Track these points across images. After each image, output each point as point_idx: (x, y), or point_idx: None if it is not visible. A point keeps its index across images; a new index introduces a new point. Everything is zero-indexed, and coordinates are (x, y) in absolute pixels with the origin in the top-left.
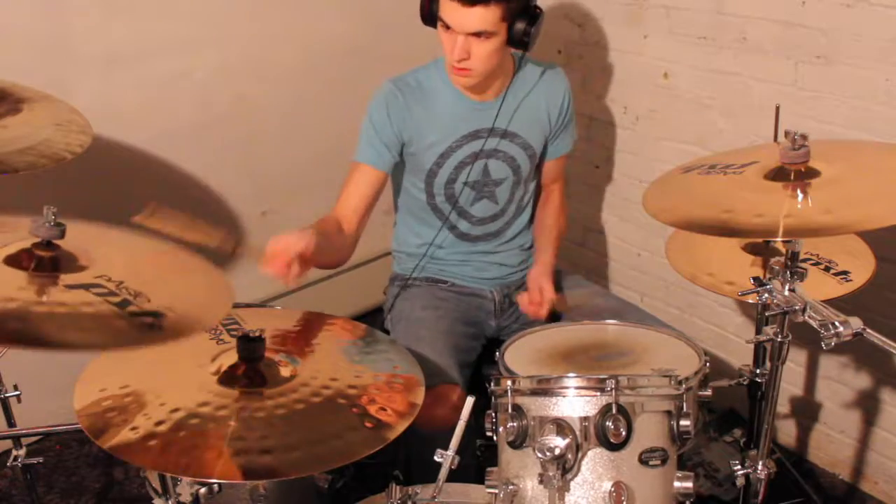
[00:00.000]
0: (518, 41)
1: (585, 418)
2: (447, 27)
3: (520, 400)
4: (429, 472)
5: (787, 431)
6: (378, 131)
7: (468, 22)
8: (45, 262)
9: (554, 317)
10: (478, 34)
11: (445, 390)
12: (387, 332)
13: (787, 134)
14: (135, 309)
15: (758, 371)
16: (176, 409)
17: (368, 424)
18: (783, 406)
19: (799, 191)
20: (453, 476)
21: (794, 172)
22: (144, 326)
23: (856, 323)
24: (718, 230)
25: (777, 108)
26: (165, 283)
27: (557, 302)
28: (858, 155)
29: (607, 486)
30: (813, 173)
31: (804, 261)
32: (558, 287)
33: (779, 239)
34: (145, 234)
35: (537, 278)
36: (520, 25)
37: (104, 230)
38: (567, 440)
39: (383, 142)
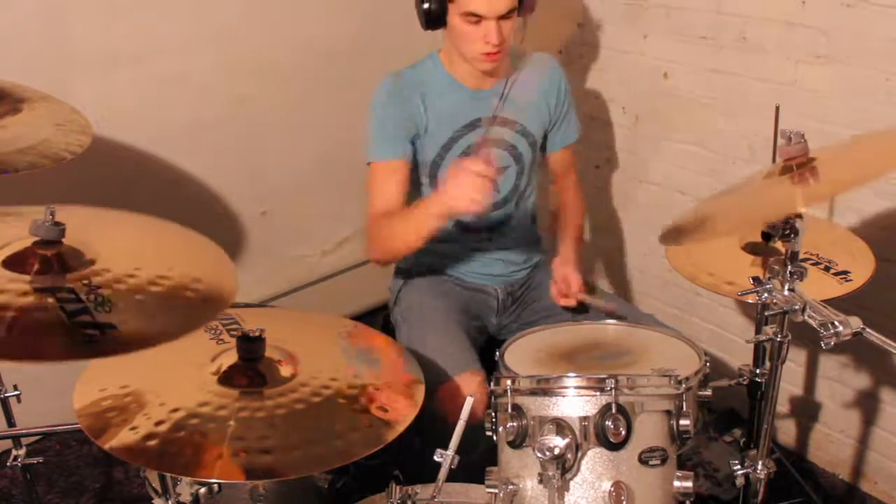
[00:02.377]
0: (526, 5)
1: (585, 418)
2: (474, 20)
3: (520, 400)
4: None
5: (787, 431)
6: (388, 124)
7: (500, 4)
8: (50, 261)
9: (582, 308)
10: (504, 14)
11: (468, 378)
12: (391, 327)
13: (782, 134)
14: (85, 319)
15: (758, 371)
16: (176, 409)
17: (368, 424)
18: (783, 406)
19: (808, 174)
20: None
21: (797, 165)
22: (80, 341)
23: (856, 323)
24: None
25: (777, 108)
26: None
27: (585, 293)
28: (858, 145)
29: (607, 485)
30: (815, 161)
31: (804, 260)
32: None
33: (800, 210)
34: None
35: (560, 269)
36: None
37: (106, 213)
38: (567, 440)
39: (396, 133)
